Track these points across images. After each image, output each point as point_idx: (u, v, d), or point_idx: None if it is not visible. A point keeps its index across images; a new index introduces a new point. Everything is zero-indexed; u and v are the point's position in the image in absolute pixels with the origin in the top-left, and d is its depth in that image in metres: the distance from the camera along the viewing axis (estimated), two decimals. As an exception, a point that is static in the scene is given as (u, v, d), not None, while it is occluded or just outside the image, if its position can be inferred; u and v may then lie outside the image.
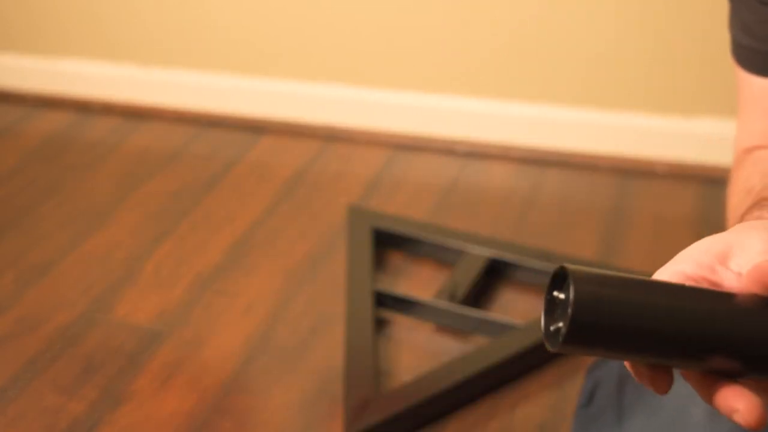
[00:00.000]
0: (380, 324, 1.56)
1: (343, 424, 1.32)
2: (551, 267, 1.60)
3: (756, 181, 0.80)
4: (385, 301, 1.57)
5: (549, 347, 0.56)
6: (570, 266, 0.55)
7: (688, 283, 0.60)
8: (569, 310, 0.53)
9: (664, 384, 0.58)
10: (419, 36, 2.04)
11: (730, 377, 0.57)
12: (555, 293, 0.56)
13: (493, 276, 1.65)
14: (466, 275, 1.59)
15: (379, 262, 1.71)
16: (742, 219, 0.72)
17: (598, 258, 1.69)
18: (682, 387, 0.80)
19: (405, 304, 1.56)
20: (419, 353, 1.50)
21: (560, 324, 0.55)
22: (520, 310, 1.57)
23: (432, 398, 1.36)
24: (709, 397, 0.57)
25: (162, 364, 1.50)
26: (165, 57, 2.24)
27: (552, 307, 0.57)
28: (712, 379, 0.57)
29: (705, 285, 0.60)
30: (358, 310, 1.52)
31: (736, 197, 0.81)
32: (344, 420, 1.33)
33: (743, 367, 0.56)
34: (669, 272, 0.60)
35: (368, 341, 1.46)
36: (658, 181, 1.94)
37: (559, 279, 0.57)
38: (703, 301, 0.56)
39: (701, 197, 1.88)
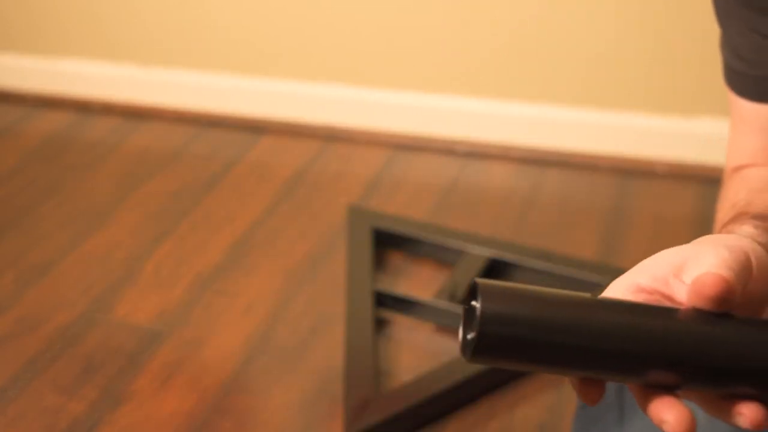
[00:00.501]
0: (380, 324, 1.56)
1: (343, 424, 1.33)
2: (551, 267, 1.60)
3: (742, 197, 0.81)
4: (385, 301, 1.57)
5: (464, 357, 0.56)
6: (481, 280, 0.56)
7: (642, 294, 0.60)
8: (477, 322, 0.54)
9: (592, 395, 0.58)
10: (419, 36, 2.04)
11: (668, 388, 0.57)
12: (473, 303, 0.57)
13: (493, 276, 1.65)
14: (466, 275, 1.59)
15: (379, 262, 1.71)
16: (720, 233, 0.72)
17: (598, 258, 1.69)
18: None
19: (405, 304, 1.56)
20: (419, 353, 1.50)
21: (472, 334, 0.56)
22: (520, 310, 1.57)
23: (432, 398, 1.36)
24: (644, 406, 0.57)
25: (162, 364, 1.50)
26: (165, 57, 2.24)
27: (469, 318, 0.57)
28: (650, 389, 0.57)
29: (658, 297, 0.60)
30: (358, 310, 1.52)
31: (722, 212, 0.82)
32: (344, 420, 1.33)
33: (676, 380, 0.56)
34: (625, 283, 0.60)
35: (368, 341, 1.46)
36: (658, 181, 1.94)
37: (476, 291, 0.57)
38: (623, 316, 0.56)
39: (701, 197, 1.88)
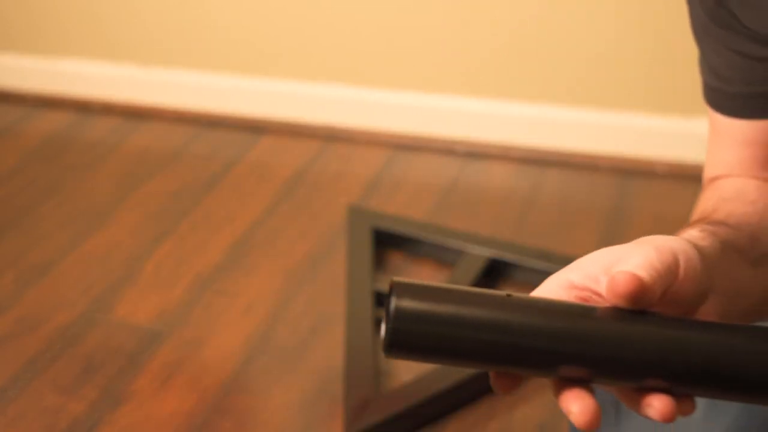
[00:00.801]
0: (380, 324, 1.56)
1: (343, 424, 1.33)
2: (551, 267, 1.60)
3: (710, 205, 0.83)
4: (385, 301, 1.57)
5: (383, 353, 0.59)
6: (398, 278, 0.58)
7: (573, 291, 0.62)
8: (391, 318, 0.57)
9: (505, 387, 0.60)
10: (419, 36, 2.04)
11: (581, 381, 0.59)
12: (390, 300, 0.59)
13: (493, 276, 1.65)
14: (466, 275, 1.59)
15: (379, 262, 1.71)
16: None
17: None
18: None
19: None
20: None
21: (386, 330, 0.58)
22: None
23: (432, 398, 1.36)
24: (557, 396, 0.59)
25: (162, 364, 1.50)
26: (165, 57, 2.24)
27: (387, 315, 0.59)
28: (564, 381, 0.59)
29: (588, 293, 0.62)
30: (358, 310, 1.52)
31: (692, 220, 0.84)
32: (344, 420, 1.33)
33: (586, 375, 0.58)
34: (558, 279, 0.62)
35: (368, 341, 1.46)
36: (658, 181, 1.94)
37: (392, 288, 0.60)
38: (533, 314, 0.57)
39: (701, 197, 1.88)
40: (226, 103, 2.22)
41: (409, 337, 0.57)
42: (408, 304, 0.57)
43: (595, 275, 0.62)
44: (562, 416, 1.37)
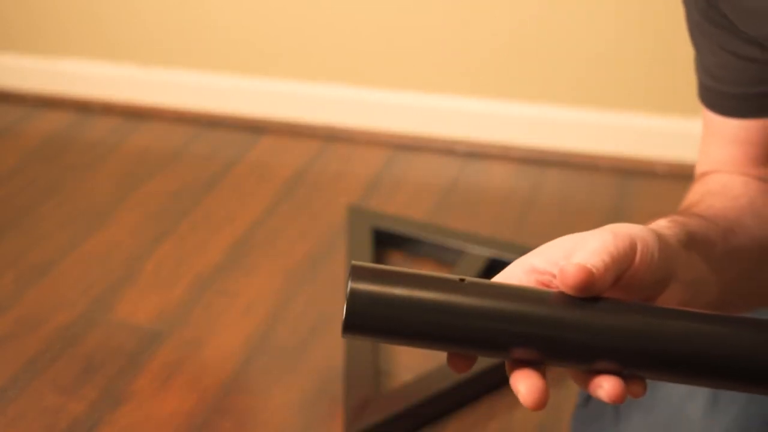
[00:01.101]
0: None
1: (343, 424, 1.33)
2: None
3: (695, 198, 0.86)
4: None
5: (341, 333, 0.62)
6: (357, 262, 0.61)
7: (534, 275, 0.65)
8: (347, 299, 0.60)
9: (459, 366, 0.63)
10: (419, 36, 2.04)
11: (534, 363, 0.61)
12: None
13: (493, 276, 1.65)
14: (466, 275, 1.59)
15: (379, 262, 1.71)
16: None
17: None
18: (679, 386, 0.86)
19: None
20: (419, 353, 1.50)
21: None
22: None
23: (432, 398, 1.36)
24: (509, 376, 0.62)
25: (162, 364, 1.50)
26: (165, 57, 2.24)
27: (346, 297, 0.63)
28: (516, 362, 0.62)
29: (549, 277, 0.64)
30: (358, 310, 1.52)
31: (678, 211, 0.86)
32: (344, 420, 1.33)
33: (538, 358, 0.60)
34: (521, 263, 0.66)
35: (368, 341, 1.46)
36: (658, 181, 1.94)
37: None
38: (485, 297, 0.60)
39: (701, 197, 1.88)
40: (226, 103, 2.22)
41: (363, 319, 0.60)
42: (363, 286, 0.60)
43: (556, 260, 0.65)
44: (562, 416, 1.37)
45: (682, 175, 1.95)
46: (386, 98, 2.11)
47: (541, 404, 0.60)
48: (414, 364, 1.47)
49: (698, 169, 0.93)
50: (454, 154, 2.07)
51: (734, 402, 0.86)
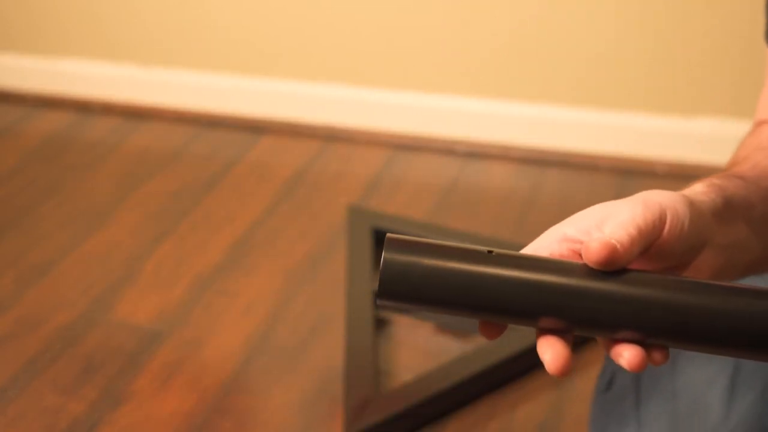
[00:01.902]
0: (380, 324, 1.56)
1: (343, 424, 1.33)
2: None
3: (743, 153, 0.85)
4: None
5: (375, 300, 0.64)
6: (391, 234, 0.64)
7: (566, 243, 0.67)
8: (381, 268, 0.63)
9: (490, 333, 0.66)
10: (419, 36, 2.04)
11: (561, 331, 0.64)
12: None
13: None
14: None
15: (379, 262, 1.71)
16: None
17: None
18: (699, 373, 0.89)
19: (405, 304, 1.55)
20: (419, 353, 1.50)
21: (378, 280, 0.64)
22: (520, 310, 1.57)
23: (432, 398, 1.36)
24: (536, 343, 0.65)
25: (162, 364, 1.50)
26: (165, 57, 2.24)
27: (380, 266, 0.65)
28: (543, 330, 0.64)
29: (579, 246, 0.66)
30: (358, 310, 1.52)
31: (727, 164, 0.86)
32: (344, 420, 1.33)
33: (564, 327, 0.63)
34: (554, 232, 0.68)
35: (368, 341, 1.46)
36: (658, 181, 1.94)
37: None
38: (514, 269, 0.63)
39: (701, 197, 1.88)
40: (226, 103, 2.22)
41: (395, 287, 0.63)
42: (397, 256, 0.63)
43: (587, 229, 0.67)
44: (562, 416, 1.37)
45: (682, 175, 1.95)
46: (386, 98, 2.11)
47: (565, 371, 0.63)
48: (414, 364, 1.47)
49: (756, 117, 0.92)
50: (454, 154, 2.07)
51: (751, 389, 0.87)
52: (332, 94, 2.14)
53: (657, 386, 0.93)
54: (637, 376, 0.95)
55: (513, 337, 1.45)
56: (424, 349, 1.51)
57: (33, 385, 1.47)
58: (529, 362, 1.44)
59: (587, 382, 1.41)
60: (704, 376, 0.89)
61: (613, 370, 1.00)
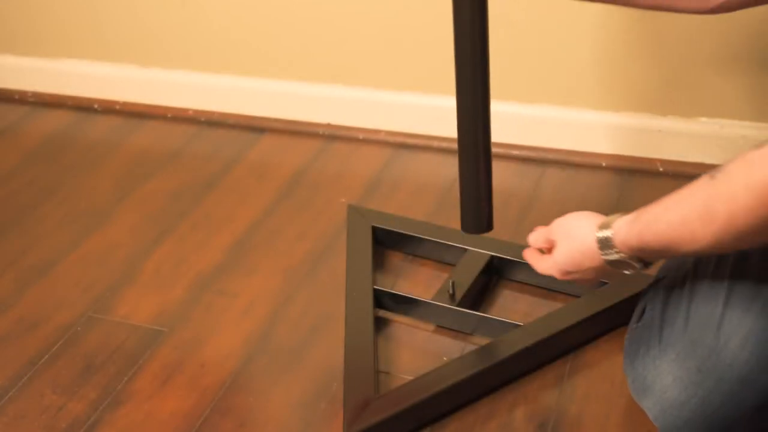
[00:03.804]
0: (380, 324, 1.56)
1: (343, 424, 1.33)
2: (551, 267, 1.60)
3: None
4: (384, 300, 1.57)
5: None
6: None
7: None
8: None
9: None
10: (419, 36, 2.04)
11: None
12: None
13: (493, 276, 1.65)
14: (466, 275, 1.59)
15: (378, 261, 1.71)
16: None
17: (598, 258, 1.69)
18: (715, 309, 1.15)
19: (405, 304, 1.56)
20: (419, 353, 1.50)
21: None
22: (520, 310, 1.57)
23: (432, 398, 1.36)
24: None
25: (162, 364, 1.50)
26: (165, 57, 2.24)
27: None
28: None
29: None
30: (358, 310, 1.52)
31: None
32: (344, 420, 1.33)
33: None
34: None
35: (368, 341, 1.46)
36: (658, 180, 1.94)
37: None
38: None
39: (701, 197, 1.87)
40: (226, 103, 2.22)
41: None
42: None
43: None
44: (562, 416, 1.37)
45: (682, 175, 1.95)
46: (386, 98, 2.10)
47: None
48: (414, 365, 1.47)
49: None
50: (455, 154, 2.07)
51: (741, 309, 1.12)
52: (332, 94, 2.13)
53: (679, 312, 1.18)
54: (662, 307, 1.21)
55: (512, 337, 1.45)
56: (424, 349, 1.51)
57: (33, 385, 1.47)
58: (529, 362, 1.44)
59: (587, 382, 1.41)
60: (719, 312, 1.13)
61: (644, 306, 1.27)
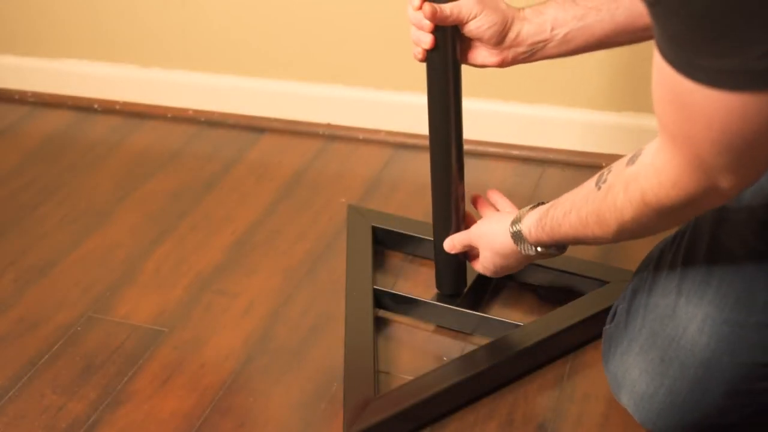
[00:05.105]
0: (380, 324, 1.56)
1: (343, 424, 1.33)
2: (551, 266, 1.60)
3: None
4: (384, 300, 1.57)
5: None
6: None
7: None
8: None
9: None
10: (419, 36, 2.04)
11: None
12: None
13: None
14: (464, 275, 1.59)
15: (378, 261, 1.71)
16: None
17: (598, 256, 1.69)
18: (659, 295, 1.21)
19: (405, 304, 1.56)
20: (419, 353, 1.50)
21: None
22: (520, 310, 1.57)
23: (432, 398, 1.36)
24: None
25: (162, 364, 1.50)
26: (165, 57, 2.24)
27: None
28: None
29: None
30: (358, 310, 1.52)
31: None
32: (344, 420, 1.33)
33: None
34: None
35: (368, 341, 1.46)
36: (658, 180, 1.94)
37: None
38: None
39: (701, 197, 1.87)
40: (226, 103, 2.22)
41: None
42: None
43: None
44: (562, 416, 1.37)
45: (682, 175, 1.95)
46: (386, 98, 2.11)
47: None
48: (414, 365, 1.47)
49: None
50: (454, 154, 2.07)
51: (704, 297, 1.16)
52: (332, 94, 2.14)
53: (638, 309, 1.24)
54: (627, 305, 1.27)
55: (512, 337, 1.45)
56: (424, 349, 1.51)
57: (33, 385, 1.47)
58: (529, 363, 1.44)
59: (587, 382, 1.41)
60: (663, 295, 1.20)
61: (615, 307, 1.32)
